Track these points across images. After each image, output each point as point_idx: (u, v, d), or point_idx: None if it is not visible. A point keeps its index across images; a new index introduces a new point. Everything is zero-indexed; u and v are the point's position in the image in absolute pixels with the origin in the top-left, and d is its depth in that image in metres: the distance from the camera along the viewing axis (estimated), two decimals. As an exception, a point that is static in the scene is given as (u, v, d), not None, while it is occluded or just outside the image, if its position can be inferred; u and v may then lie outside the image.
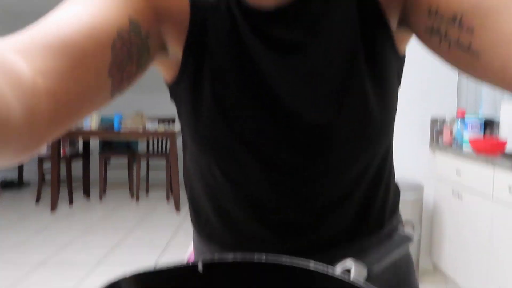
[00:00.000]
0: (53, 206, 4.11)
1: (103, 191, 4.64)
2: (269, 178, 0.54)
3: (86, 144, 4.71)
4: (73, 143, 4.55)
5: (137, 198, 4.58)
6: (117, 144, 4.92)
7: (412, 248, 0.65)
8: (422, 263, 2.60)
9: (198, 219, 0.64)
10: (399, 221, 0.66)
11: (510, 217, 1.86)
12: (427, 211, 2.61)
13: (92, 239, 3.33)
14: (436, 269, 2.60)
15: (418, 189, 2.49)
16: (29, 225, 3.68)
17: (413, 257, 0.72)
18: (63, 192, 4.40)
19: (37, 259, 2.88)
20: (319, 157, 0.53)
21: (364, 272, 0.42)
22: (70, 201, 4.37)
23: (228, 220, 0.59)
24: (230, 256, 0.40)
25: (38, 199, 4.43)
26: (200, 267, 0.38)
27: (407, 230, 0.50)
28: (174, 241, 3.29)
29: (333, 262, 0.42)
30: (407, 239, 0.48)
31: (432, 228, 2.62)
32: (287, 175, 0.54)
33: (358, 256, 0.45)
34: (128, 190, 4.88)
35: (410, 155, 2.63)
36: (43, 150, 4.29)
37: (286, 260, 0.40)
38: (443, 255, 2.47)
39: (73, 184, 4.47)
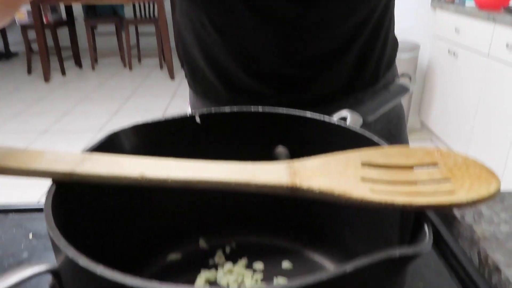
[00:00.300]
0: (46, 77, 4.06)
1: (94, 60, 4.54)
2: (263, 29, 0.51)
3: (69, 10, 4.43)
4: (54, 9, 4.26)
5: (130, 67, 4.51)
6: (101, 9, 4.61)
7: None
8: (411, 121, 2.71)
9: (193, 76, 0.63)
10: (395, 74, 0.65)
11: (504, 74, 1.86)
12: (421, 70, 2.61)
13: (90, 107, 3.38)
14: (423, 127, 2.72)
15: (414, 48, 2.44)
16: (24, 96, 3.69)
17: None
18: (54, 63, 4.30)
19: (39, 128, 2.96)
20: (315, 7, 0.50)
21: (359, 121, 0.42)
22: (63, 71, 4.30)
23: (222, 74, 0.58)
24: (227, 108, 0.40)
25: (29, 70, 4.35)
26: (197, 118, 0.39)
27: (403, 81, 0.50)
28: (171, 107, 3.35)
29: (329, 115, 0.42)
30: (404, 89, 0.48)
31: (424, 86, 2.66)
32: (281, 25, 0.51)
33: (353, 108, 0.45)
34: (120, 58, 4.77)
35: (410, 13, 2.50)
36: (24, 17, 4.05)
37: (283, 110, 0.40)
38: (432, 114, 2.56)
39: (63, 54, 4.34)
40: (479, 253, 0.45)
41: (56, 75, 4.31)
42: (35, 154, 0.31)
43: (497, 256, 0.43)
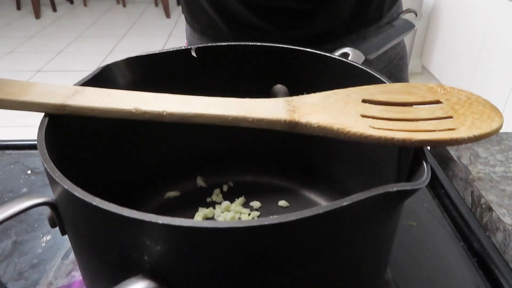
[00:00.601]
0: (37, 13, 3.90)
1: (85, -4, 4.34)
2: None
3: None
4: None
5: (123, 3, 4.32)
6: None
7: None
8: (412, 65, 2.65)
9: (191, 11, 0.60)
10: (400, 11, 0.62)
11: (511, 15, 1.80)
12: (426, 7, 2.51)
13: (85, 46, 3.28)
14: (424, 71, 2.68)
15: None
16: (16, 33, 3.56)
17: None
18: (43, -1, 4.11)
19: (32, 67, 2.90)
20: None
21: (361, 58, 0.41)
22: (54, 7, 4.13)
23: (221, 7, 0.55)
24: (224, 43, 0.39)
25: (18, 6, 4.17)
26: (193, 52, 0.37)
27: (409, 17, 0.48)
28: (167, 46, 3.26)
29: (330, 52, 0.41)
30: (409, 25, 0.46)
31: (427, 28, 2.58)
32: None
33: (355, 46, 0.43)
34: (112, -6, 4.55)
35: None
36: None
37: (282, 45, 0.38)
38: (433, 57, 2.51)
39: (52, -11, 4.13)
40: (472, 193, 0.46)
41: (46, 11, 4.13)
42: (25, 86, 0.30)
43: (490, 197, 0.43)
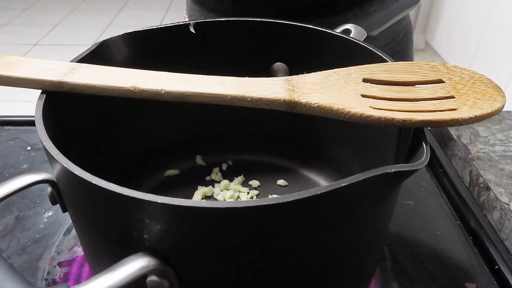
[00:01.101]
0: (32, -15, 3.81)
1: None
2: None
3: None
4: None
5: (121, -25, 4.21)
6: None
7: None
8: (415, 41, 2.61)
9: None
10: None
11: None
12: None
13: (82, 19, 3.22)
14: (428, 47, 2.64)
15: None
16: (11, 5, 3.49)
17: None
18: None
19: (28, 41, 2.86)
20: None
21: (363, 35, 0.40)
22: (49, -21, 4.03)
23: None
24: (223, 18, 0.38)
25: (13, -23, 4.07)
26: (191, 28, 0.36)
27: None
28: (166, 20, 3.20)
29: (332, 28, 0.40)
30: (413, 1, 0.45)
31: (432, 4, 2.53)
32: None
33: (358, 21, 0.42)
34: (110, -35, 4.43)
35: None
36: None
37: (282, 21, 0.38)
38: (437, 33, 2.47)
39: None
40: (470, 173, 0.46)
41: (42, -17, 4.04)
42: (21, 61, 0.30)
43: (488, 176, 0.44)
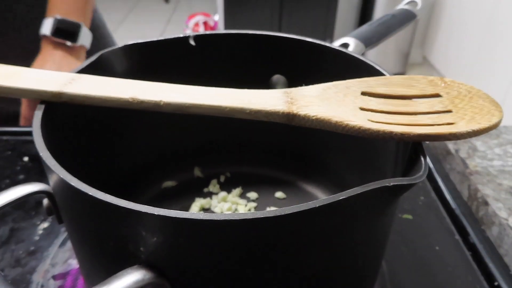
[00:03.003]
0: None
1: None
2: None
3: None
4: None
5: (122, -12, 4.27)
6: None
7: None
8: (413, 55, 2.64)
9: None
10: None
11: (515, 8, 1.78)
12: (428, 1, 2.49)
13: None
14: (425, 61, 2.67)
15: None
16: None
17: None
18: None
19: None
20: None
21: (362, 48, 0.40)
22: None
23: None
24: (222, 31, 0.38)
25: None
26: (191, 40, 0.37)
27: (410, 7, 0.47)
28: (166, 33, 3.23)
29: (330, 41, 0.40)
30: (410, 16, 0.46)
31: (429, 19, 2.56)
32: None
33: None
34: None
35: None
36: None
37: (281, 34, 0.38)
38: (435, 47, 2.49)
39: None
40: (469, 187, 0.46)
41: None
42: (20, 71, 0.30)
43: (486, 190, 0.44)
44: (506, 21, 1.85)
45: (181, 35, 0.36)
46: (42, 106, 0.28)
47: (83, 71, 0.32)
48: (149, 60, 0.37)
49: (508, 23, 1.83)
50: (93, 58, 0.33)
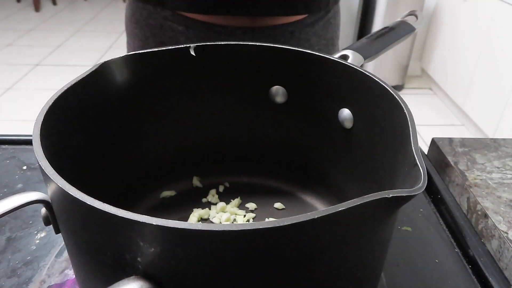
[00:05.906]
0: (36, 6, 3.88)
1: (86, -10, 4.32)
2: None
3: None
4: None
5: (124, -1, 4.31)
6: None
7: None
8: (411, 68, 2.66)
9: None
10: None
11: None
12: (427, 10, 2.52)
13: (84, 40, 3.27)
14: (423, 74, 2.68)
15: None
16: (15, 26, 3.55)
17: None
18: (43, -9, 4.09)
19: (31, 61, 2.89)
20: None
21: (361, 61, 0.41)
22: (53, 1, 4.11)
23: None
24: (223, 42, 0.39)
25: (18, -1, 4.15)
26: (192, 51, 0.37)
27: (409, 20, 0.47)
28: (167, 44, 3.24)
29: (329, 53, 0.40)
30: (409, 29, 0.46)
31: (428, 31, 2.58)
32: None
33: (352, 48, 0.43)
34: (113, -11, 4.54)
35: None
36: None
37: (281, 45, 0.38)
38: (433, 60, 2.51)
39: (53, -18, 4.11)
40: (468, 200, 0.46)
41: (46, 4, 4.12)
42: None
43: (486, 203, 0.43)
44: (503, 33, 1.86)
45: (182, 45, 0.36)
46: (42, 115, 0.28)
47: (85, 80, 0.32)
48: (150, 70, 0.37)
49: (505, 36, 1.85)
50: (94, 67, 0.33)
